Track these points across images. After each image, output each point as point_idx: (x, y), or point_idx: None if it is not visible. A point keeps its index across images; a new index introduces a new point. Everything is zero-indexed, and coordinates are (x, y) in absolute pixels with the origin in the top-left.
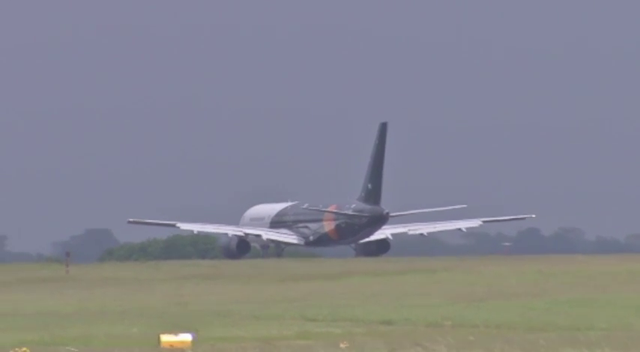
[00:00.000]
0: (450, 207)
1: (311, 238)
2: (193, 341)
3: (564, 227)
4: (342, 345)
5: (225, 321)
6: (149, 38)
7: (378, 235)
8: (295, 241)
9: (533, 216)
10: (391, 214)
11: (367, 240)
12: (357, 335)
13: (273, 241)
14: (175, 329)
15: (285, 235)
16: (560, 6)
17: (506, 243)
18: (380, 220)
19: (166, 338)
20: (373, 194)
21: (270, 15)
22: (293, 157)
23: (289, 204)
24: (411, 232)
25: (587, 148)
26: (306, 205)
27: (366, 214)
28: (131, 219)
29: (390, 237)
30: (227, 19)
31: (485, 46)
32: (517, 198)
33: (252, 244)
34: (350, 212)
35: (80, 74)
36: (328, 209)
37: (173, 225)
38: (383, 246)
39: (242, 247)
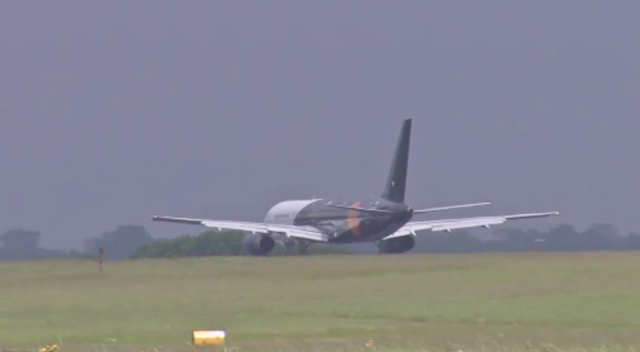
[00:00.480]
0: (474, 205)
1: (335, 235)
2: (226, 338)
3: (597, 223)
4: (367, 344)
5: (257, 318)
6: (175, 39)
7: (402, 232)
8: (319, 238)
9: (557, 213)
10: (415, 211)
11: (391, 236)
12: (389, 333)
13: (297, 238)
14: (208, 326)
15: (309, 232)
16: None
17: (539, 240)
18: (403, 217)
19: (199, 335)
20: (397, 191)
21: (294, 16)
22: (318, 155)
23: (314, 201)
24: (434, 229)
25: (621, 146)
26: (330, 202)
27: (390, 211)
28: (155, 216)
29: (413, 233)
30: (252, 20)
31: (510, 45)
32: (543, 196)
33: (277, 241)
34: (374, 209)
35: (110, 73)
36: (352, 206)
37: (198, 223)
38: (407, 243)
39: (266, 244)
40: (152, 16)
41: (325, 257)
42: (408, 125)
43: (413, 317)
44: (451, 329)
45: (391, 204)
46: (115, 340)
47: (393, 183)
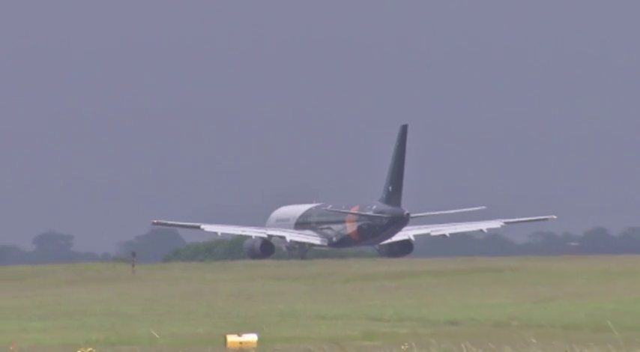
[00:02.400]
0: (470, 209)
1: (334, 239)
2: (259, 341)
3: (632, 227)
4: (403, 348)
5: (290, 321)
6: (178, 43)
7: (401, 236)
8: (319, 242)
9: (555, 217)
10: (412, 215)
11: (390, 240)
12: (422, 336)
13: (297, 242)
14: (241, 330)
15: (308, 236)
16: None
17: (573, 243)
18: (400, 221)
19: (232, 338)
20: (394, 195)
21: (295, 22)
22: (317, 159)
23: (314, 205)
24: (433, 233)
25: None
26: (330, 206)
27: (387, 215)
28: (155, 220)
29: (412, 237)
30: (252, 26)
31: (506, 50)
32: (538, 200)
33: (278, 245)
34: (371, 213)
35: (135, 79)
36: (350, 210)
37: (197, 227)
38: (406, 247)
39: (266, 248)
40: (155, 21)
41: (361, 260)
42: (404, 130)
43: (446, 321)
44: (485, 332)
45: (388, 208)
46: (157, 336)
47: (390, 188)
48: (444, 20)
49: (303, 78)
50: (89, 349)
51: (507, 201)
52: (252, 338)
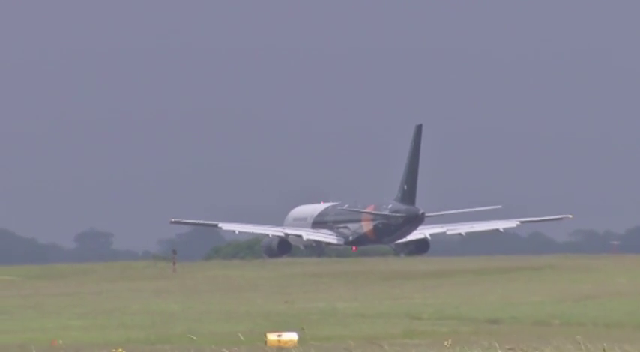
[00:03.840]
0: (485, 208)
1: (350, 238)
2: (299, 340)
3: None
4: (445, 343)
5: (330, 320)
6: (196, 46)
7: (417, 235)
8: (335, 241)
9: (570, 216)
10: (427, 214)
11: (406, 239)
12: (462, 334)
13: (314, 241)
14: (281, 328)
15: (325, 235)
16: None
17: (614, 242)
18: (416, 220)
19: (272, 337)
20: (409, 194)
21: (310, 22)
22: (334, 159)
23: (330, 204)
24: (449, 232)
25: None
26: (346, 206)
27: (402, 214)
28: (173, 219)
29: (428, 236)
30: (266, 27)
31: (520, 52)
32: (554, 199)
33: (295, 244)
34: (387, 212)
35: (159, 82)
36: (366, 209)
37: (215, 226)
38: (422, 246)
39: (283, 247)
40: (164, 26)
41: (401, 259)
42: (419, 130)
43: (487, 319)
44: (525, 330)
45: (403, 207)
46: (195, 338)
47: (405, 187)
48: (462, 22)
49: (319, 79)
50: (119, 350)
51: (523, 201)
52: (292, 336)
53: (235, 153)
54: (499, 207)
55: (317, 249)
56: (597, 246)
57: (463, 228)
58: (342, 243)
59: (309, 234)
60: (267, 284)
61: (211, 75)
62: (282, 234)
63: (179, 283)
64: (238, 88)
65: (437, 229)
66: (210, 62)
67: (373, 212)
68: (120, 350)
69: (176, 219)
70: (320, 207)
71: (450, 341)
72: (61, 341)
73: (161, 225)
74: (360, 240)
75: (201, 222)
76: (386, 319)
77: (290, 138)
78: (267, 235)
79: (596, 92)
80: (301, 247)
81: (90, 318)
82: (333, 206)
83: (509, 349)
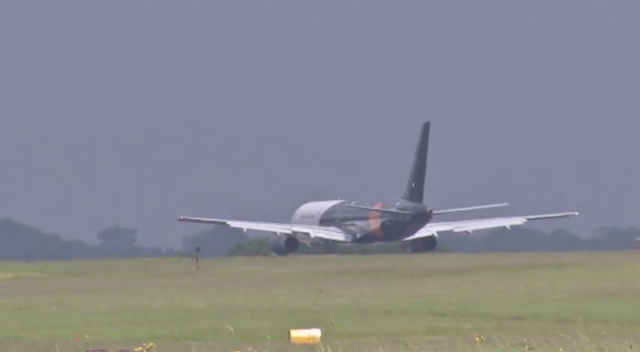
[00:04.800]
0: (493, 205)
1: (358, 235)
2: (322, 336)
3: None
4: (477, 339)
5: (354, 316)
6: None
7: (424, 232)
8: (342, 238)
9: (576, 213)
10: (434, 212)
11: (414, 237)
12: (486, 331)
13: (321, 238)
14: (305, 325)
15: (332, 233)
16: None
17: (639, 238)
18: (423, 218)
19: (296, 334)
20: (416, 192)
21: (322, 20)
22: (342, 157)
23: (338, 202)
24: (456, 230)
25: None
26: (353, 203)
27: (410, 212)
28: (182, 217)
29: (435, 234)
30: (275, 28)
31: (524, 48)
32: (561, 196)
33: (302, 241)
34: (394, 210)
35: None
36: (374, 207)
37: (223, 223)
38: (429, 243)
39: (290, 244)
40: (168, 39)
41: (425, 255)
42: (427, 128)
43: (510, 316)
44: (549, 327)
45: (411, 204)
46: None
47: (413, 185)
48: (466, 20)
49: (327, 75)
50: (150, 344)
51: (530, 199)
52: (315, 333)
53: (243, 152)
54: (506, 204)
55: (324, 247)
56: (621, 243)
57: (470, 226)
58: (349, 240)
59: (317, 232)
60: (291, 280)
61: (213, 75)
62: (289, 232)
63: (203, 280)
64: (247, 84)
65: (444, 227)
66: (216, 57)
67: (381, 209)
68: (151, 344)
69: (184, 217)
70: (327, 204)
71: (482, 336)
72: (87, 336)
73: (185, 223)
74: (368, 238)
75: (210, 219)
76: (409, 316)
77: (297, 136)
78: (275, 233)
79: (601, 86)
80: (308, 244)
81: (114, 315)
82: (340, 203)
83: (531, 348)
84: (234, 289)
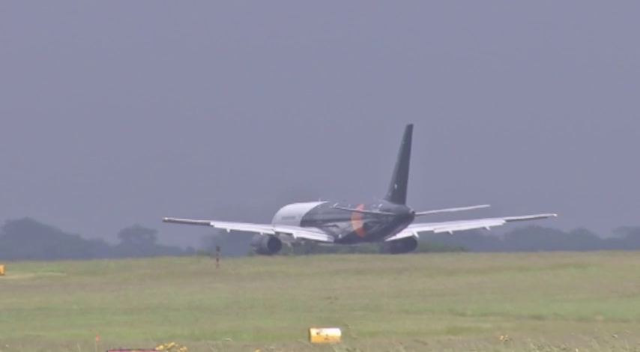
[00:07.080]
0: (474, 207)
1: (340, 236)
2: (342, 336)
3: None
4: (501, 338)
5: (374, 316)
6: (185, 41)
7: (405, 233)
8: (325, 239)
9: (555, 215)
10: (417, 213)
11: (395, 237)
12: (505, 330)
13: (303, 239)
14: (325, 324)
15: (315, 233)
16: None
17: None
18: (406, 219)
19: (316, 332)
20: (399, 193)
21: (301, 19)
22: (323, 158)
23: (319, 203)
24: (437, 231)
25: None
26: (335, 204)
27: (393, 213)
28: (166, 218)
29: (416, 234)
30: (257, 25)
31: (508, 49)
32: (540, 197)
33: (284, 242)
34: (377, 211)
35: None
36: (356, 208)
37: (207, 224)
38: (410, 244)
39: (273, 245)
40: (161, 19)
41: (445, 255)
42: (409, 130)
43: (530, 315)
44: (569, 327)
45: (394, 206)
46: (231, 340)
47: (395, 186)
48: (450, 21)
49: (309, 77)
50: (171, 344)
51: (510, 200)
52: (335, 332)
53: (226, 152)
54: (487, 205)
55: (306, 247)
56: None
57: (451, 227)
58: (331, 240)
59: (300, 232)
60: (311, 280)
61: (206, 73)
62: (272, 232)
63: (223, 279)
64: (232, 86)
65: (425, 227)
66: (200, 59)
67: (363, 210)
68: (172, 344)
69: (169, 218)
70: (308, 205)
71: (506, 335)
72: (109, 335)
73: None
74: (350, 238)
75: (194, 220)
76: (430, 315)
77: (281, 137)
78: (259, 233)
79: (594, 87)
80: (289, 245)
81: (134, 314)
82: (321, 205)
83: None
84: (254, 288)
